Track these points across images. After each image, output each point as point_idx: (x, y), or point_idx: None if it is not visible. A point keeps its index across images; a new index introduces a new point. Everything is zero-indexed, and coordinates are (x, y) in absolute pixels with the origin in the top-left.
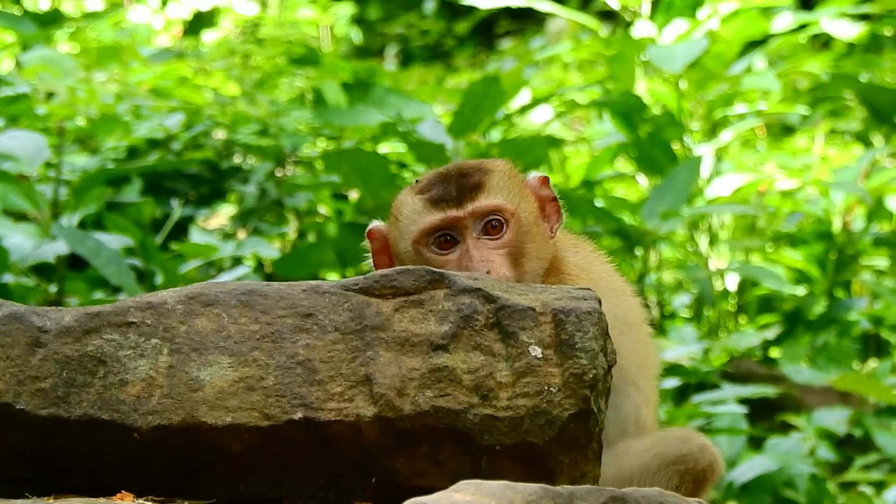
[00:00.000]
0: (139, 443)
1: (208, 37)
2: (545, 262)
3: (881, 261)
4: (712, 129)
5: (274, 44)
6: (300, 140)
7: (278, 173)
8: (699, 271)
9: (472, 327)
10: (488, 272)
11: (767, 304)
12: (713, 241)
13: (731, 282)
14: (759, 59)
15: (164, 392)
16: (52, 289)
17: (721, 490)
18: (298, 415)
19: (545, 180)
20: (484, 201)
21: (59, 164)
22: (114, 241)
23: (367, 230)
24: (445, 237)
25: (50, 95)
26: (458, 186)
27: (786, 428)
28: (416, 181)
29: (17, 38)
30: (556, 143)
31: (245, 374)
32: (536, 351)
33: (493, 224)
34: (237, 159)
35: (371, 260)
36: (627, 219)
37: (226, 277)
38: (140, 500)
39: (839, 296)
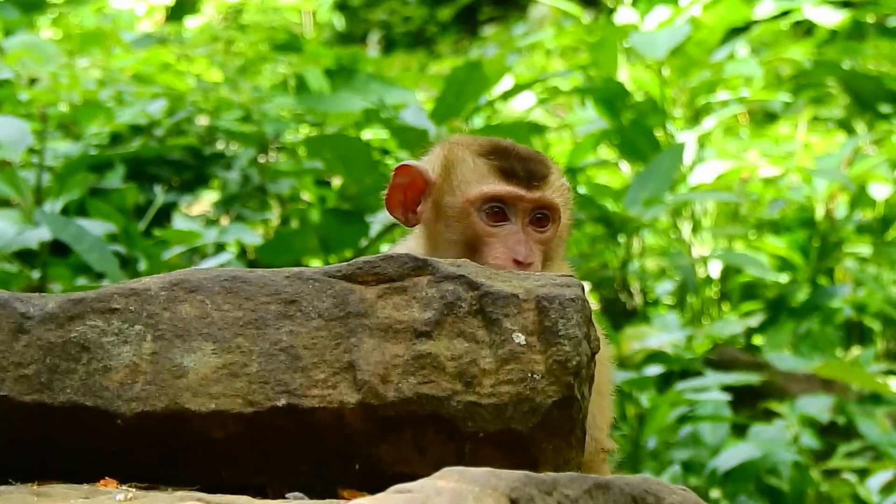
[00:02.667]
0: (123, 429)
1: (191, 23)
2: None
3: (864, 248)
4: (695, 116)
5: (257, 30)
6: (283, 126)
7: (261, 159)
8: (682, 258)
9: (455, 314)
10: (530, 264)
11: (750, 291)
12: (696, 228)
13: (714, 269)
14: (741, 46)
15: (148, 379)
16: (35, 275)
17: (704, 477)
18: (282, 401)
19: (568, 191)
20: (547, 194)
21: (41, 150)
22: (97, 227)
23: (400, 164)
24: (497, 209)
25: (33, 81)
26: (526, 168)
27: (769, 415)
28: (466, 140)
29: (0, 24)
30: (538, 129)
31: (228, 360)
32: (520, 338)
33: (539, 217)
34: (220, 145)
35: (387, 192)
36: (610, 206)
37: (209, 264)
38: (123, 487)
39: (822, 283)
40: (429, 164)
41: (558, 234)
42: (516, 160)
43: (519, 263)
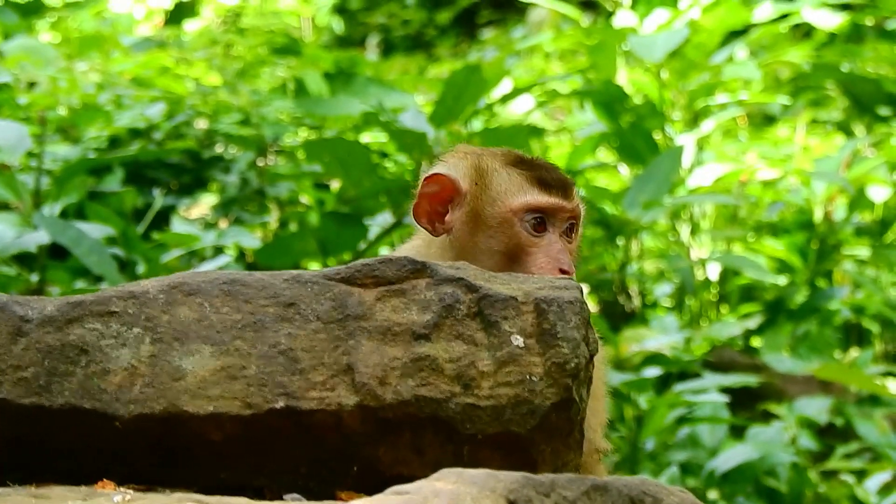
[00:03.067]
0: (121, 431)
1: (190, 26)
2: None
3: (862, 250)
4: (694, 119)
5: (255, 33)
6: (282, 129)
7: (260, 163)
8: (681, 261)
9: (454, 317)
10: (572, 273)
11: (749, 293)
12: (695, 230)
13: (713, 271)
14: (740, 49)
15: (146, 381)
16: (34, 278)
17: (702, 479)
18: (280, 404)
19: None
20: (578, 205)
21: (40, 153)
22: (95, 230)
23: (432, 172)
24: (540, 220)
25: (31, 85)
26: (558, 179)
27: (767, 417)
28: (489, 150)
29: None
30: (537, 132)
31: (227, 363)
32: (518, 340)
33: (570, 227)
34: (219, 149)
35: (416, 201)
36: (609, 208)
37: (207, 267)
38: (122, 489)
39: (821, 285)
40: (457, 173)
41: (580, 241)
42: (545, 171)
43: (564, 272)
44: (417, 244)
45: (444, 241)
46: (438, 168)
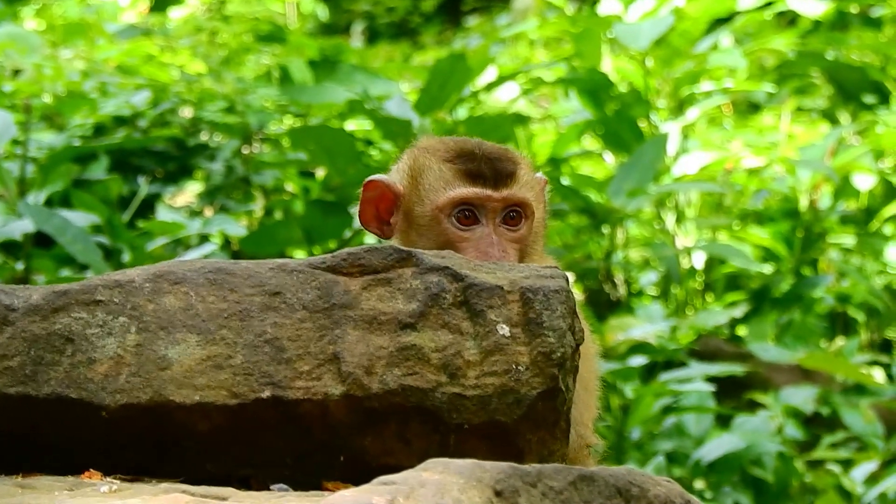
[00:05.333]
0: (107, 421)
1: (175, 14)
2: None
3: (848, 239)
4: (679, 107)
5: (240, 21)
6: (267, 117)
7: (245, 151)
8: (666, 249)
9: (439, 306)
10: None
11: (734, 281)
12: (680, 218)
13: (698, 260)
14: (725, 37)
15: (132, 370)
16: (19, 266)
17: (688, 468)
18: (266, 393)
19: (545, 183)
20: (517, 192)
21: (25, 141)
22: (81, 218)
23: (367, 179)
24: (467, 213)
25: (16, 72)
26: (492, 168)
27: (753, 406)
28: (431, 146)
29: None
30: (522, 120)
31: (213, 352)
32: (504, 329)
33: (512, 215)
34: (204, 136)
35: (358, 207)
36: (594, 196)
37: (193, 255)
38: (108, 479)
39: (806, 274)
40: (396, 175)
41: (534, 229)
42: (482, 161)
43: None
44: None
45: (395, 242)
46: (377, 174)
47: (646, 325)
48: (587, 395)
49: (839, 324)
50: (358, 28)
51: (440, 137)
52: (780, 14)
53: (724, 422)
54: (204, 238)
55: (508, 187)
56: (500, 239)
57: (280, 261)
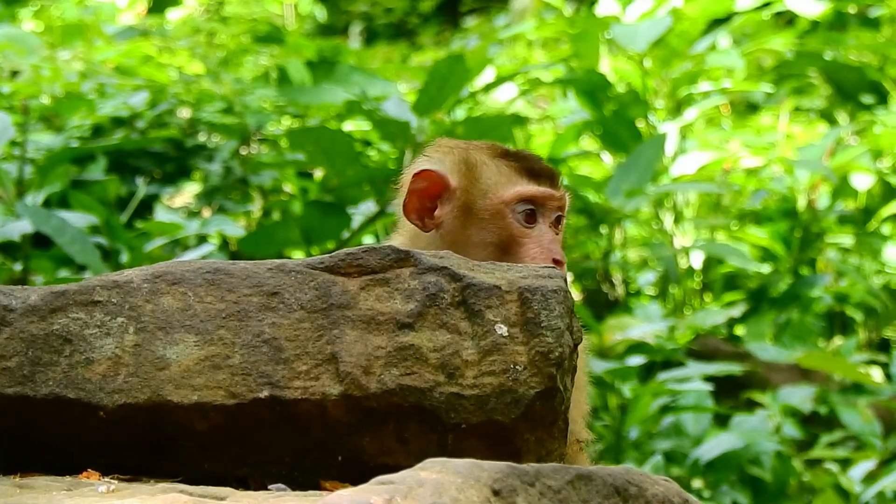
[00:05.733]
0: (105, 421)
1: (173, 15)
2: None
3: (846, 238)
4: (677, 107)
5: (238, 22)
6: (265, 118)
7: (243, 151)
8: (664, 249)
9: (437, 306)
10: (564, 262)
11: (732, 281)
12: (678, 218)
13: (697, 259)
14: (723, 37)
15: (130, 371)
16: (17, 267)
17: (686, 468)
18: (264, 393)
19: None
20: (565, 194)
21: (23, 142)
22: (79, 219)
23: (420, 168)
24: (531, 211)
25: (14, 74)
26: (548, 169)
27: (751, 405)
28: (473, 144)
29: None
30: (520, 121)
31: (211, 352)
32: (502, 329)
33: (558, 218)
34: (202, 137)
35: (403, 198)
36: (592, 196)
37: (191, 255)
38: (106, 479)
39: (804, 273)
40: (445, 168)
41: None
42: (532, 161)
43: (557, 262)
44: (400, 241)
45: (434, 236)
46: (426, 164)
47: (644, 324)
48: (577, 391)
49: (837, 323)
50: (356, 29)
51: (466, 140)
52: (778, 14)
53: (722, 421)
54: (202, 239)
55: (561, 188)
56: (555, 238)
57: (278, 261)
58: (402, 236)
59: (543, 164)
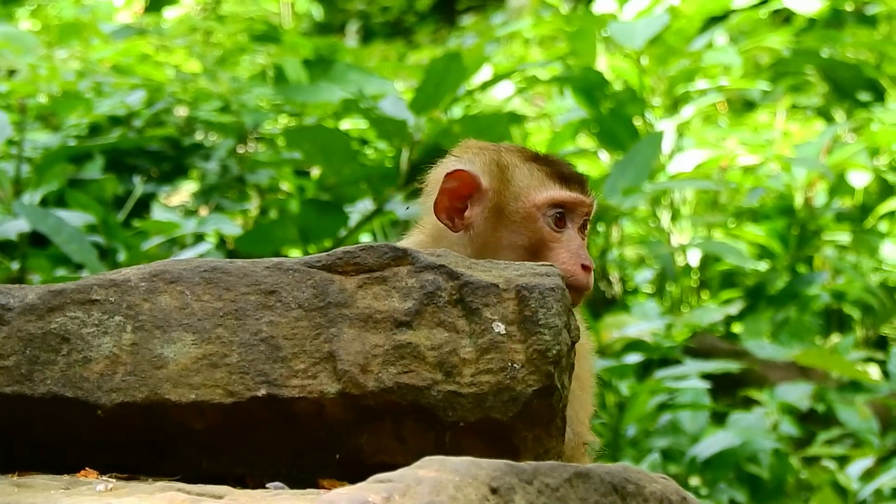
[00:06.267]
0: (103, 420)
1: (169, 13)
2: None
3: (843, 236)
4: (674, 105)
5: (235, 20)
6: (262, 117)
7: (240, 150)
8: (661, 247)
9: (435, 304)
10: (589, 268)
11: (730, 279)
12: (675, 216)
13: (694, 257)
14: (720, 35)
15: (128, 369)
16: (15, 266)
17: (684, 465)
18: (262, 392)
19: None
20: (594, 199)
21: (20, 141)
22: (76, 218)
23: (453, 168)
24: (560, 215)
25: (11, 72)
26: (578, 174)
27: (748, 403)
28: (502, 146)
29: None
30: (517, 119)
31: (209, 351)
32: (500, 327)
33: (584, 222)
34: (199, 136)
35: (434, 197)
36: None
37: (188, 254)
38: (104, 477)
39: (801, 271)
40: (476, 169)
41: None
42: (563, 166)
43: (585, 268)
44: (422, 239)
45: (462, 236)
46: (457, 164)
47: (641, 322)
48: (583, 393)
49: (834, 321)
50: (353, 27)
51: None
52: (775, 12)
53: (719, 419)
54: (199, 237)
55: (591, 194)
56: (583, 243)
57: (275, 260)
58: (424, 234)
59: (573, 169)
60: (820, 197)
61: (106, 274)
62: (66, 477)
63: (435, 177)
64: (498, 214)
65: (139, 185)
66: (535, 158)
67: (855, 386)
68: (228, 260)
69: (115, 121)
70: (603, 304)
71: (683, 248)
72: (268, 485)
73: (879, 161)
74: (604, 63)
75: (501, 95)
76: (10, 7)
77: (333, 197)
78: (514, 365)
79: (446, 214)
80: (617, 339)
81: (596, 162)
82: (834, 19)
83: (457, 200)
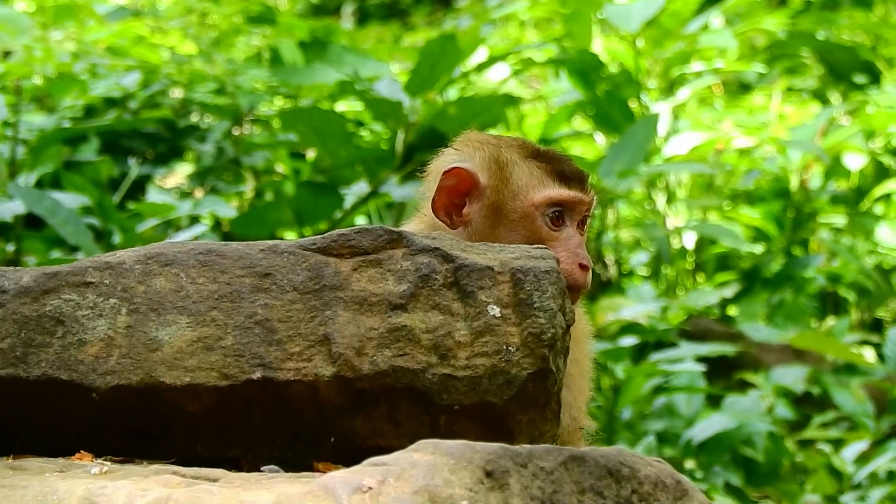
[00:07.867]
0: (98, 403)
1: None
2: None
3: (838, 218)
4: (669, 87)
5: (230, 2)
6: (257, 99)
7: (235, 132)
8: (657, 229)
9: (430, 287)
10: (587, 267)
11: (725, 262)
12: (671, 199)
13: (689, 240)
14: (715, 17)
15: (123, 352)
16: (10, 248)
17: (679, 448)
18: (257, 374)
19: None
20: (594, 196)
21: (16, 123)
22: (71, 200)
23: (452, 165)
24: (559, 214)
25: (6, 54)
26: (578, 172)
27: (744, 386)
28: (504, 141)
29: None
30: (513, 101)
31: (203, 333)
32: (495, 310)
33: (584, 220)
34: (194, 118)
35: (433, 193)
36: None
37: (183, 236)
38: (99, 460)
39: (796, 254)
40: (474, 165)
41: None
42: (563, 163)
43: (583, 267)
44: (421, 228)
45: (461, 233)
46: (456, 160)
47: (636, 305)
48: (581, 377)
49: (830, 303)
50: (348, 9)
51: (493, 134)
52: None
53: (714, 402)
54: (194, 220)
55: (590, 191)
56: (582, 241)
57: (270, 242)
58: (423, 223)
59: (573, 166)
60: (815, 179)
61: (101, 256)
62: (60, 460)
63: (434, 170)
64: (496, 212)
65: (134, 168)
66: (535, 155)
67: (850, 369)
68: (223, 242)
69: (111, 102)
70: (598, 287)
71: (679, 231)
72: (263, 468)
73: (875, 143)
74: (599, 45)
75: (497, 77)
76: None
77: (329, 179)
78: (509, 348)
79: (444, 212)
80: (612, 322)
81: (591, 144)
82: (830, 2)
83: (455, 197)
